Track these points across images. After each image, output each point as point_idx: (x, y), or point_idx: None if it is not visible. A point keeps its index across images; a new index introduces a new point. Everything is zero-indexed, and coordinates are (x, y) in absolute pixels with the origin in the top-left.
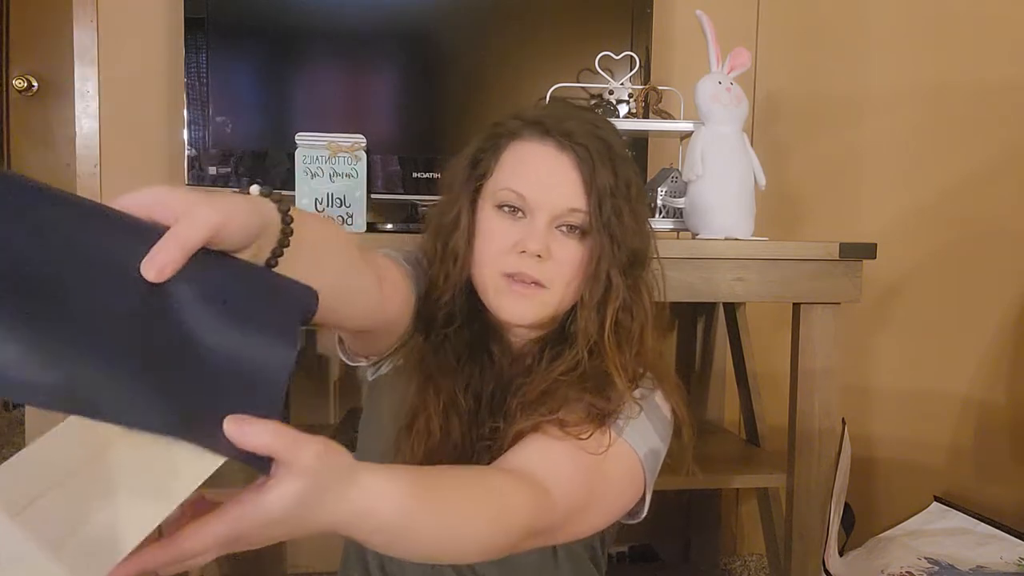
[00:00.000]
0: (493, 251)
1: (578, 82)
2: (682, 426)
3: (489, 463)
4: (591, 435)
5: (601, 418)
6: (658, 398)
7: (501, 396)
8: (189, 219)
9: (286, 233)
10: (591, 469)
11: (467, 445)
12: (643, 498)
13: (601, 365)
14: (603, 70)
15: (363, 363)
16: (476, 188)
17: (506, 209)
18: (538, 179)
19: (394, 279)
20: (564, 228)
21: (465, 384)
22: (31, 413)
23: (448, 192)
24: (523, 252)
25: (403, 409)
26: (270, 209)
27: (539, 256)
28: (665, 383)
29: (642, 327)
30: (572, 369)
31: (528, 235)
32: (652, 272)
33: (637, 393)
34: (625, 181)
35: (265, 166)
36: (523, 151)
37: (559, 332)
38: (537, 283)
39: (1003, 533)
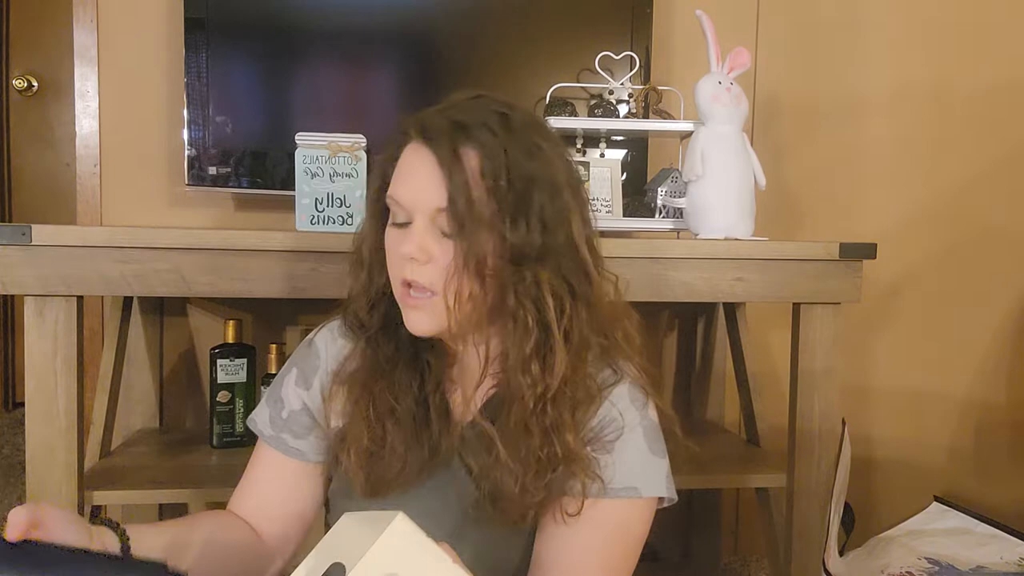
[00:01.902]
0: (390, 265)
1: (578, 82)
2: (672, 425)
3: (487, 504)
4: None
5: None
6: (651, 411)
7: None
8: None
9: (127, 547)
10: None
11: (416, 457)
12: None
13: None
14: (603, 70)
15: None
16: (384, 202)
17: (397, 222)
18: (408, 181)
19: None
20: (443, 229)
21: (404, 389)
22: (31, 413)
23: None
24: (404, 258)
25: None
26: (105, 531)
27: (415, 259)
28: (644, 372)
29: (571, 309)
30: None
31: (406, 239)
32: (576, 265)
33: (637, 417)
34: (494, 171)
35: (265, 166)
36: (404, 156)
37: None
38: (425, 289)
39: (1003, 533)
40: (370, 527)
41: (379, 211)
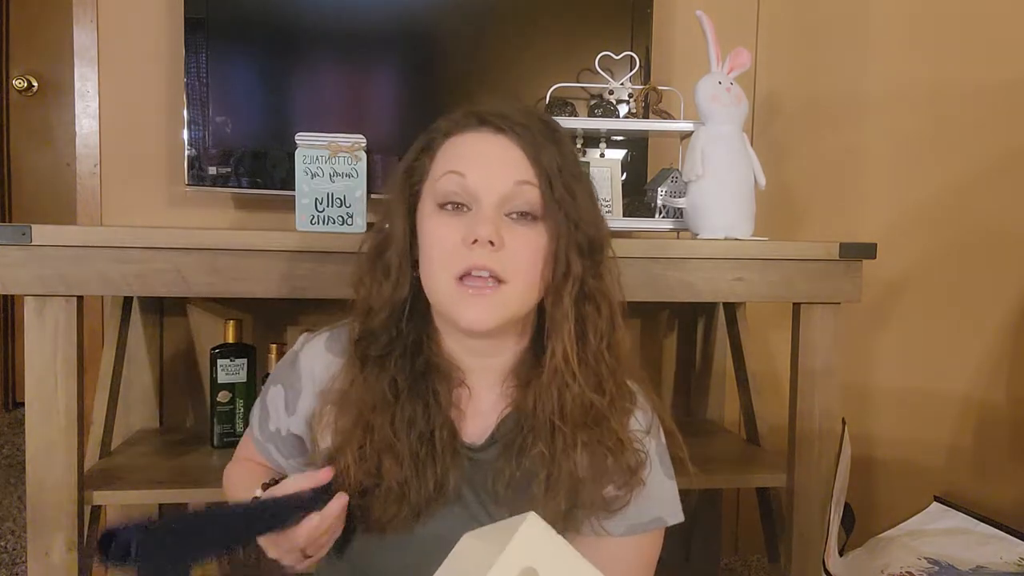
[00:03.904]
0: (441, 255)
1: (578, 82)
2: (672, 431)
3: None
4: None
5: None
6: (660, 433)
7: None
8: None
9: None
10: None
11: (419, 495)
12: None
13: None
14: (603, 70)
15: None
16: (413, 195)
17: (449, 207)
18: (478, 160)
19: None
20: (515, 215)
21: (407, 423)
22: (31, 413)
23: (384, 208)
24: (474, 242)
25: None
26: None
27: (491, 244)
28: (651, 393)
29: (611, 319)
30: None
31: (476, 222)
32: (613, 263)
33: (653, 445)
34: (573, 160)
35: (265, 166)
36: (458, 142)
37: (525, 364)
38: (495, 278)
39: (1003, 533)
40: (499, 534)
41: (408, 211)
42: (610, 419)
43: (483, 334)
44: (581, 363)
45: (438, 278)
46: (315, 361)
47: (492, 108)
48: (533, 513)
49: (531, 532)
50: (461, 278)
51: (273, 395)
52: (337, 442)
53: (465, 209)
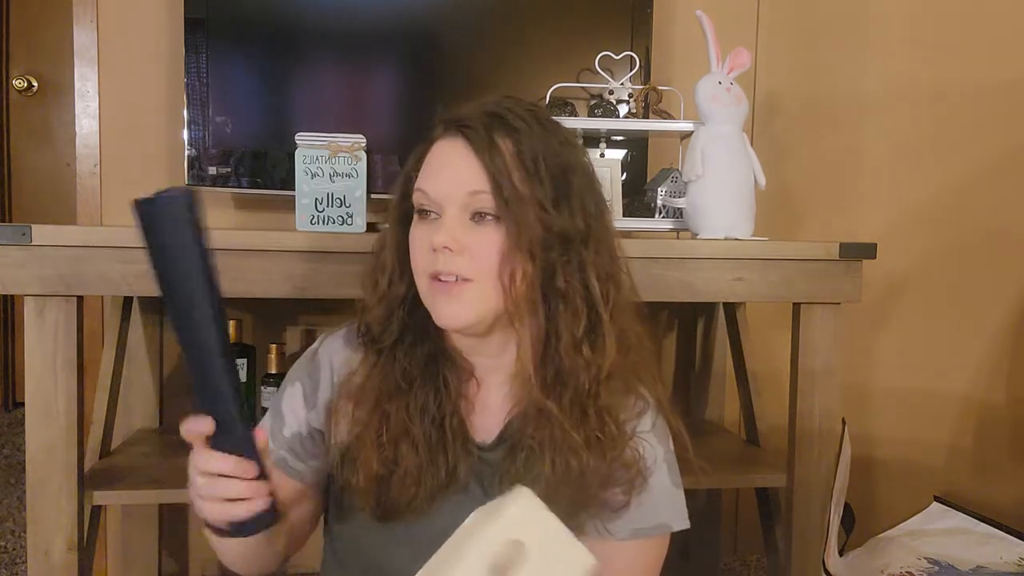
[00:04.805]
0: (417, 259)
1: (578, 82)
2: (680, 434)
3: None
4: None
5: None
6: (671, 441)
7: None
8: None
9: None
10: None
11: (432, 482)
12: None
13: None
14: (603, 70)
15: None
16: (409, 204)
17: (421, 214)
18: (438, 172)
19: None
20: (477, 216)
21: (420, 410)
22: (31, 413)
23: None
24: (435, 250)
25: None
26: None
27: (449, 249)
28: (660, 394)
29: (589, 314)
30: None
31: (435, 230)
32: (611, 256)
33: (662, 452)
34: (532, 155)
35: (265, 166)
36: (431, 152)
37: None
38: (460, 278)
39: (1003, 533)
40: (496, 507)
41: (402, 216)
42: (591, 418)
43: (461, 331)
44: (546, 362)
45: (419, 280)
46: (334, 355)
47: (454, 111)
48: (526, 488)
49: (521, 507)
50: (431, 277)
51: (289, 396)
52: (355, 432)
53: (433, 216)
